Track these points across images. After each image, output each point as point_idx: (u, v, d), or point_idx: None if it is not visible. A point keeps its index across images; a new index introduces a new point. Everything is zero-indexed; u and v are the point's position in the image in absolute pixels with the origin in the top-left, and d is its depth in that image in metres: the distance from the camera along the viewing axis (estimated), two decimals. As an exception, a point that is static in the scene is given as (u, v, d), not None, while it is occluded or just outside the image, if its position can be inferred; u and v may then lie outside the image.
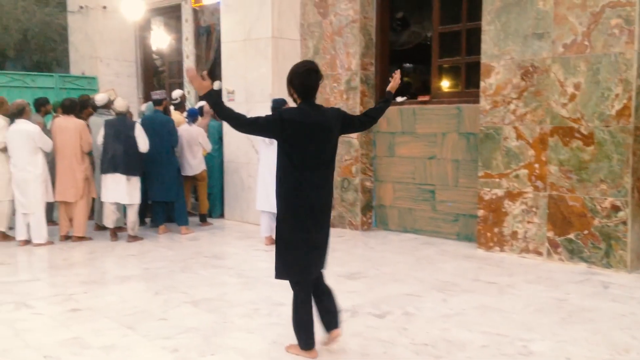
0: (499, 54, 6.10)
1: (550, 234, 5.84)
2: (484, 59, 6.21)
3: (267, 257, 6.12)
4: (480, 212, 6.32)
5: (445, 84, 9.15)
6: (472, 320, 4.20)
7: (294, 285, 3.51)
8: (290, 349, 3.63)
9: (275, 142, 5.37)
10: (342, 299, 4.63)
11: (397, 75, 3.99)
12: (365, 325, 4.10)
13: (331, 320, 3.61)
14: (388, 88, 3.95)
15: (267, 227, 6.69)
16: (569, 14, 5.63)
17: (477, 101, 6.45)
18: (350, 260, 6.06)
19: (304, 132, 3.32)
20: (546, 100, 5.81)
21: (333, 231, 7.52)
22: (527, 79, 5.92)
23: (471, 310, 4.42)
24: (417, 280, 5.25)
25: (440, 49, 7.11)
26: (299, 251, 3.42)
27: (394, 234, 7.45)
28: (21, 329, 4.11)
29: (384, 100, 3.88)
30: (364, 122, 3.76)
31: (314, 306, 3.56)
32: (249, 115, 3.44)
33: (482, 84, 6.25)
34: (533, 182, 5.93)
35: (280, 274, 3.54)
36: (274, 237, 6.52)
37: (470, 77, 6.93)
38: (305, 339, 3.51)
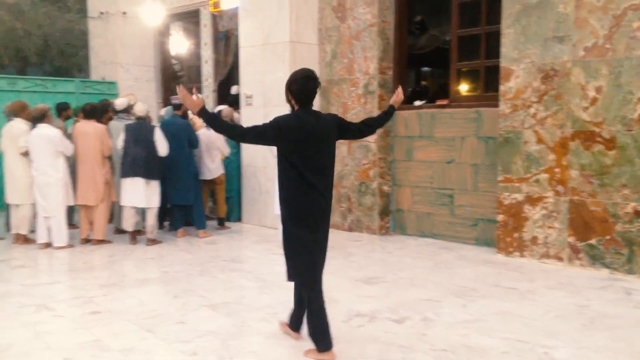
0: (519, 57, 6.04)
1: (572, 240, 5.76)
2: (503, 63, 6.16)
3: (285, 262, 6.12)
4: (500, 217, 6.26)
5: (464, 88, 9.09)
6: (492, 326, 4.16)
7: (309, 291, 3.57)
8: (308, 354, 3.63)
9: None
10: (360, 304, 4.64)
11: (399, 91, 4.04)
12: (384, 330, 4.07)
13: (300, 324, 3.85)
14: (391, 102, 3.99)
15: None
16: (590, 17, 5.57)
17: (496, 105, 6.40)
18: (368, 265, 6.04)
19: (302, 138, 3.40)
20: (567, 104, 5.75)
21: (350, 235, 7.59)
22: (548, 83, 5.86)
23: (491, 316, 4.38)
24: (436, 286, 5.21)
25: (459, 53, 7.07)
26: (307, 254, 3.52)
27: (412, 238, 7.41)
28: (42, 331, 4.15)
29: (386, 112, 3.93)
30: (362, 130, 3.81)
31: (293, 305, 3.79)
32: (265, 119, 3.50)
33: (501, 87, 6.20)
34: (554, 186, 5.86)
35: (291, 276, 3.64)
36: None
37: (489, 81, 6.88)
38: (324, 341, 3.54)
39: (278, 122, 3.44)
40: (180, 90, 3.46)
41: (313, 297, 3.54)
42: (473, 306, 4.62)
